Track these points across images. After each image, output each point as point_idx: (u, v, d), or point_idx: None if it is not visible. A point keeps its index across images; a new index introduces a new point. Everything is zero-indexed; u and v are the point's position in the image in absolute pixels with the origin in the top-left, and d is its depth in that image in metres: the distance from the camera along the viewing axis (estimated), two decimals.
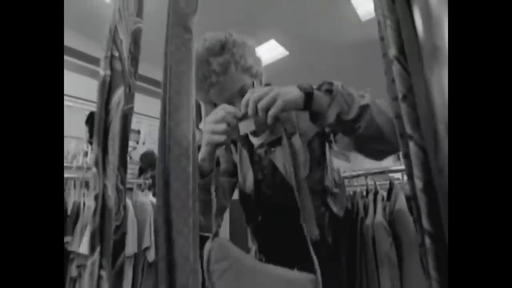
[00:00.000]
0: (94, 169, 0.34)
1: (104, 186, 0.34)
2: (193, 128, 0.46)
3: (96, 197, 0.33)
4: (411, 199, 0.37)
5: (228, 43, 0.73)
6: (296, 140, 0.78)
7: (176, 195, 0.42)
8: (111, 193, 0.34)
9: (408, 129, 0.38)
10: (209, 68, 0.71)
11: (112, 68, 0.37)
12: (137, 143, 3.14)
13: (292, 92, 0.60)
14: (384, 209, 1.16)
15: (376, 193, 1.25)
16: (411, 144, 0.37)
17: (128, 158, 0.47)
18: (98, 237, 0.32)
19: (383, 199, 1.23)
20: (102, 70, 0.37)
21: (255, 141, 0.86)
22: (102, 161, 0.34)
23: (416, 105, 0.38)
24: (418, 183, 0.35)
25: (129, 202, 1.97)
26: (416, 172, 0.36)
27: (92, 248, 0.32)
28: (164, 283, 0.39)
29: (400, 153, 0.42)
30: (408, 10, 0.42)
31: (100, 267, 0.32)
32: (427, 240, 0.33)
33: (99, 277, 0.32)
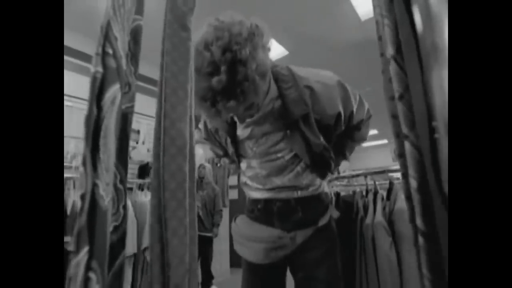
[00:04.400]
0: (81, 168, 0.33)
1: (94, 185, 0.33)
2: (190, 127, 0.46)
3: (82, 196, 0.32)
4: (406, 198, 0.37)
5: (236, 72, 0.57)
6: (311, 122, 0.78)
7: (171, 194, 0.42)
8: (103, 192, 0.34)
9: (404, 129, 0.38)
10: (216, 109, 0.62)
11: (104, 65, 0.37)
12: (137, 143, 3.14)
13: None
14: (384, 208, 1.16)
15: (376, 193, 1.24)
16: (407, 144, 0.37)
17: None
18: (85, 237, 0.31)
19: (382, 198, 1.22)
20: (93, 67, 0.37)
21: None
22: (91, 160, 0.33)
23: (412, 105, 0.38)
24: (413, 183, 0.35)
25: (128, 202, 1.97)
26: (411, 171, 0.35)
27: (77, 249, 0.31)
28: (158, 283, 0.39)
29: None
30: (406, 10, 0.42)
31: (89, 268, 0.31)
32: (421, 239, 0.33)
33: (87, 279, 0.31)
